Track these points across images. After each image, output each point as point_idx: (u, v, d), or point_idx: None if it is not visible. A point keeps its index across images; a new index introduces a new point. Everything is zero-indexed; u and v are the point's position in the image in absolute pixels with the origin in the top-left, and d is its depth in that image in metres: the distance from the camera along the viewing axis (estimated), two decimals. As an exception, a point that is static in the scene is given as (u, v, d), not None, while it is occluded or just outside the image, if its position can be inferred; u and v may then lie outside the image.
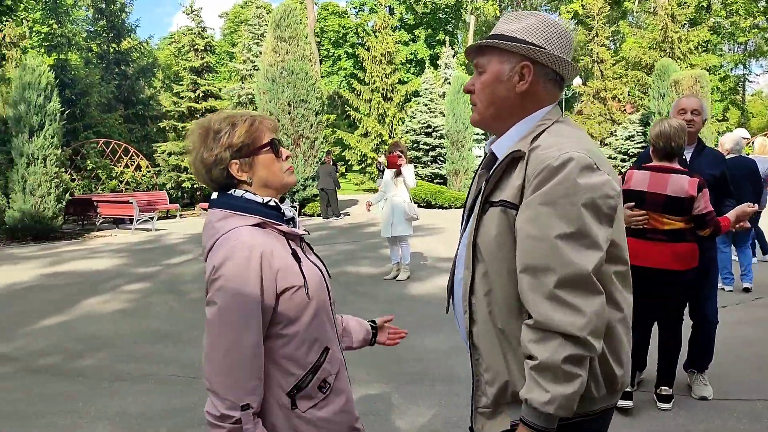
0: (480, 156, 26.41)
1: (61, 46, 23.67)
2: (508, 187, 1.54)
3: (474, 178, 1.82)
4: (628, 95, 29.44)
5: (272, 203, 1.69)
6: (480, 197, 1.61)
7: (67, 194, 15.04)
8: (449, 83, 24.21)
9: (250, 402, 1.56)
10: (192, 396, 4.36)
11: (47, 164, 13.69)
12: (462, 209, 1.81)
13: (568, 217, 1.43)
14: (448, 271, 6.78)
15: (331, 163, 18.41)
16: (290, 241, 1.71)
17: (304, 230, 1.79)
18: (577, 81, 27.98)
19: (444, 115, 23.18)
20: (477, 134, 23.59)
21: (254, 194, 1.68)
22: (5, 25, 18.68)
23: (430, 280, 8.19)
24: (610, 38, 34.02)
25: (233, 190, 1.70)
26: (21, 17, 24.23)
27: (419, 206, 19.38)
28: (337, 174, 18.72)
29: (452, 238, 12.36)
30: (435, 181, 23.84)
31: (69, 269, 9.85)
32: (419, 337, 5.65)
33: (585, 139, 1.57)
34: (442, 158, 24.18)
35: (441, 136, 23.91)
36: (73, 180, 18.69)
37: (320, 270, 1.77)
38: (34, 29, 28.04)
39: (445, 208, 20.21)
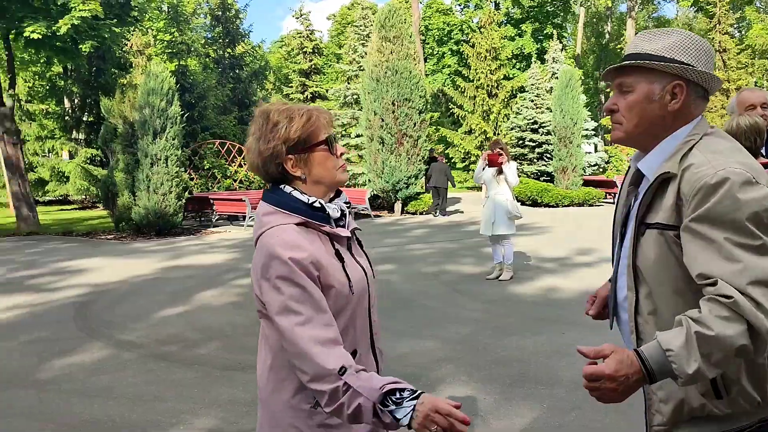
0: (590, 152, 25.54)
1: (182, 52, 25.19)
2: (662, 209, 1.56)
3: (620, 191, 1.85)
4: (755, 86, 27.42)
5: (317, 204, 1.68)
6: (635, 218, 1.63)
7: (187, 192, 16.00)
8: (557, 78, 23.55)
9: (344, 363, 1.52)
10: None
11: (169, 164, 14.62)
12: (612, 225, 1.83)
13: (735, 230, 1.44)
14: (552, 272, 6.70)
15: (444, 160, 18.67)
16: (334, 242, 1.70)
17: (356, 227, 1.80)
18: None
19: (551, 111, 22.60)
20: (586, 130, 22.82)
21: (302, 193, 1.69)
22: (132, 35, 20.12)
23: (534, 281, 8.04)
24: (734, 25, 31.78)
25: (284, 185, 1.71)
26: (146, 27, 25.99)
27: (524, 204, 19.03)
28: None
29: (558, 238, 12.06)
30: (541, 178, 23.30)
31: (187, 263, 10.50)
32: (521, 338, 5.58)
33: (737, 151, 1.56)
34: (548, 155, 23.59)
35: (548, 133, 23.33)
36: (191, 179, 19.87)
37: (364, 271, 1.76)
38: (157, 38, 30.00)
39: (552, 206, 19.70)
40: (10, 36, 15.72)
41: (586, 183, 21.26)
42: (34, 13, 14.80)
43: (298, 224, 1.64)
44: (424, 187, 19.11)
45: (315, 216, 1.67)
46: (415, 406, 1.46)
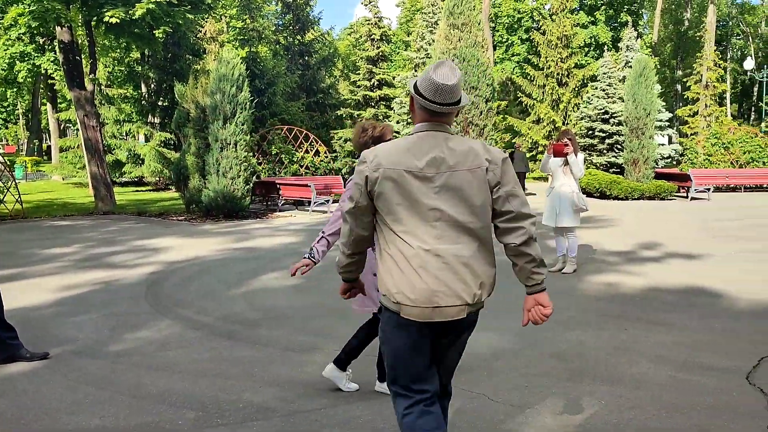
0: (663, 144, 24.62)
1: (253, 39, 25.66)
2: None
3: None
4: None
5: None
6: None
7: (254, 176, 16.36)
8: (630, 66, 22.77)
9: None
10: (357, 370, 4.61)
11: (237, 149, 15.00)
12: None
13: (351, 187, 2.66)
14: (617, 267, 6.54)
15: (522, 148, 21.89)
16: None
17: None
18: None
19: (623, 101, 21.93)
20: (660, 121, 22.00)
21: None
22: (206, 22, 20.66)
23: (598, 275, 7.86)
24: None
25: None
26: (220, 14, 26.60)
27: (591, 196, 18.59)
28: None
29: (625, 232, 11.75)
30: (611, 170, 22.67)
31: (253, 245, 10.77)
32: (582, 333, 5.47)
33: (389, 145, 2.59)
34: (619, 146, 22.92)
35: (619, 123, 22.65)
36: (259, 163, 20.31)
37: None
38: (230, 25, 30.67)
39: (621, 199, 19.16)
40: (92, 22, 16.41)
41: (658, 176, 20.53)
42: (114, -1, 15.39)
43: None
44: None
45: None
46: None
